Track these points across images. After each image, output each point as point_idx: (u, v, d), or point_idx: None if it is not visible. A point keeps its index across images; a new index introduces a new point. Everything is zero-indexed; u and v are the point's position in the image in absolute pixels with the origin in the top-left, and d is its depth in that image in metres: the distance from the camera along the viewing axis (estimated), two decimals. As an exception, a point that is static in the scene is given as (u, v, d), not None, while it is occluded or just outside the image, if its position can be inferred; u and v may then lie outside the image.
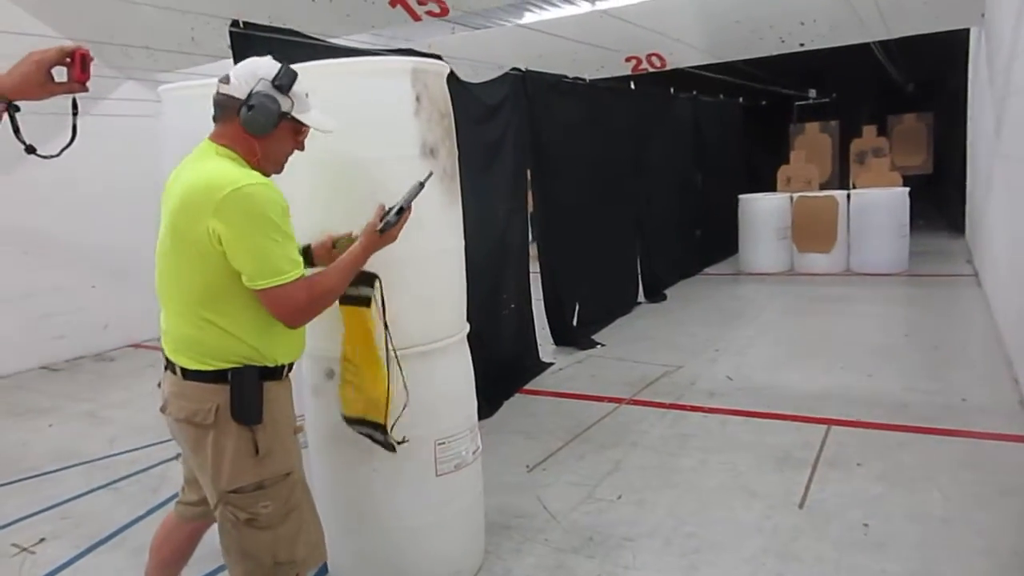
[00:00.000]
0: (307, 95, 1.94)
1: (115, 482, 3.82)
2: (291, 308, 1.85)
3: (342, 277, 1.99)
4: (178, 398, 1.87)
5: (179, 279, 1.84)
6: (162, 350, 1.97)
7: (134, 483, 3.79)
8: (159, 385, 2.02)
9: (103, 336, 6.81)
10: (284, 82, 1.87)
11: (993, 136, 6.00)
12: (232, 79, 1.87)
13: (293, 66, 1.93)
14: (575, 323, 6.19)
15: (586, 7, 8.14)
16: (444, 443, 2.52)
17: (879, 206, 8.44)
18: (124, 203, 6.46)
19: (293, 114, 1.91)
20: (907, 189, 8.57)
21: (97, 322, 6.77)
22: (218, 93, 1.89)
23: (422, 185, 2.14)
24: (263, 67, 1.88)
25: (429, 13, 5.51)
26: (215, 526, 2.03)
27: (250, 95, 1.84)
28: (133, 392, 5.44)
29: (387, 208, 2.08)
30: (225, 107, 1.88)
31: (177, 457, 2.20)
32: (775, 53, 7.98)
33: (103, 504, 3.58)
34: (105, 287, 6.73)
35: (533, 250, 5.69)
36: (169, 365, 1.91)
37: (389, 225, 2.06)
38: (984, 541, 2.71)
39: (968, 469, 3.30)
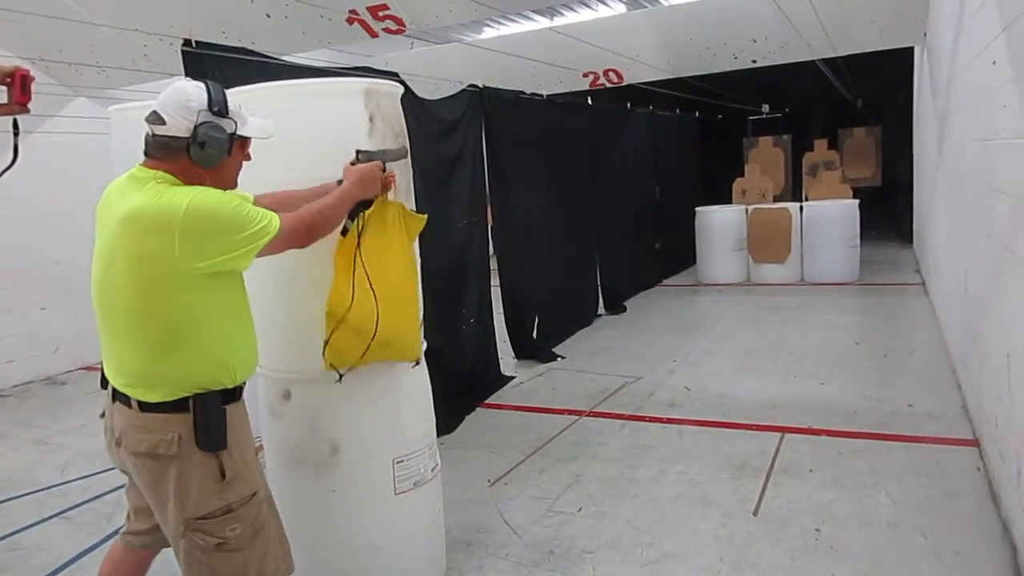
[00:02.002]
0: (240, 107, 1.93)
1: (67, 511, 3.72)
2: (295, 237, 1.95)
3: (332, 203, 2.10)
4: (136, 431, 1.84)
5: (144, 313, 1.80)
6: (103, 380, 1.95)
7: (87, 511, 3.70)
8: (102, 415, 1.99)
9: (54, 359, 6.63)
10: (221, 105, 1.85)
11: (936, 150, 6.22)
12: (166, 118, 1.81)
13: (243, 88, 1.94)
14: (535, 336, 6.22)
15: (544, 23, 8.26)
16: (402, 461, 2.52)
17: (831, 218, 8.66)
18: (75, 222, 6.25)
19: (239, 133, 1.91)
20: (857, 201, 8.82)
21: (47, 345, 6.60)
22: (154, 135, 1.84)
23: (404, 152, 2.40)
24: (193, 96, 1.83)
25: (386, 30, 5.53)
26: (164, 553, 2.01)
27: (196, 131, 1.81)
28: (86, 417, 5.30)
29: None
30: (168, 147, 1.83)
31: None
32: (729, 69, 8.17)
33: (55, 534, 3.48)
34: (55, 309, 6.56)
35: (493, 264, 5.72)
36: (119, 398, 1.87)
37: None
38: (929, 544, 2.80)
39: (914, 473, 3.41)
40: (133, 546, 2.17)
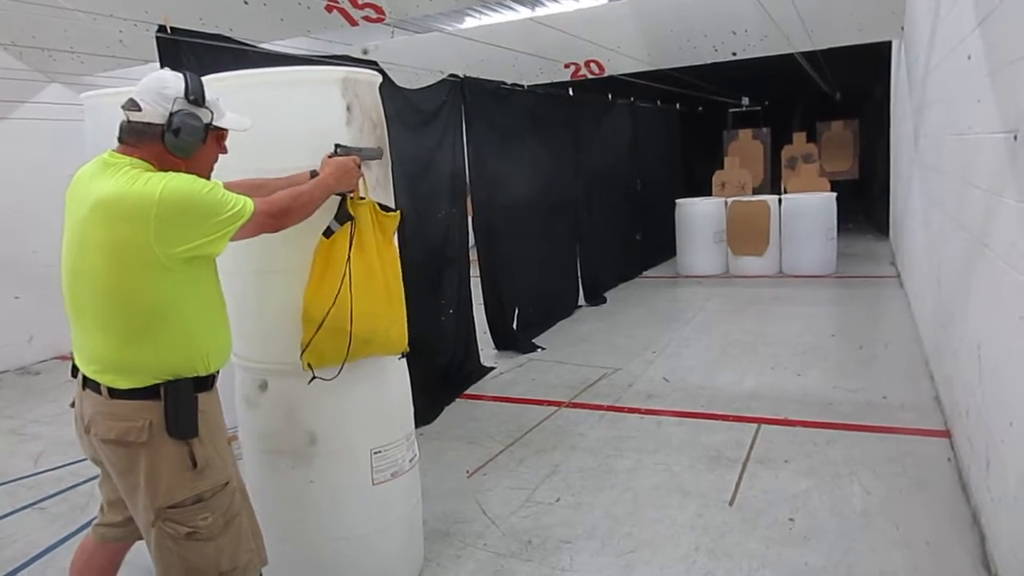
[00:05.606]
0: (218, 99, 1.93)
1: (41, 501, 3.68)
2: (268, 221, 1.94)
3: (307, 190, 2.10)
4: (106, 418, 1.83)
5: (117, 298, 1.79)
6: (74, 369, 1.93)
7: (61, 502, 3.66)
8: (72, 405, 1.97)
9: (27, 349, 6.55)
10: (198, 95, 1.85)
11: (912, 144, 6.29)
12: (142, 105, 1.82)
13: (220, 75, 1.92)
14: (515, 327, 6.23)
15: (525, 12, 8.23)
16: (380, 452, 2.52)
17: (809, 210, 8.74)
18: (48, 210, 6.16)
19: (215, 124, 1.91)
20: (835, 194, 8.90)
21: (21, 334, 6.50)
22: (129, 121, 1.84)
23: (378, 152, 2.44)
24: (170, 84, 1.84)
25: (366, 19, 5.48)
26: (137, 544, 1.99)
27: (171, 118, 1.81)
28: (60, 407, 5.22)
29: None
30: (142, 133, 1.83)
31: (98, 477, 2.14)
32: (709, 62, 8.18)
33: (28, 525, 3.45)
34: (30, 298, 6.45)
35: (474, 255, 5.72)
36: (89, 385, 1.86)
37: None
38: (900, 533, 2.85)
39: (887, 464, 3.46)
40: (106, 538, 2.15)
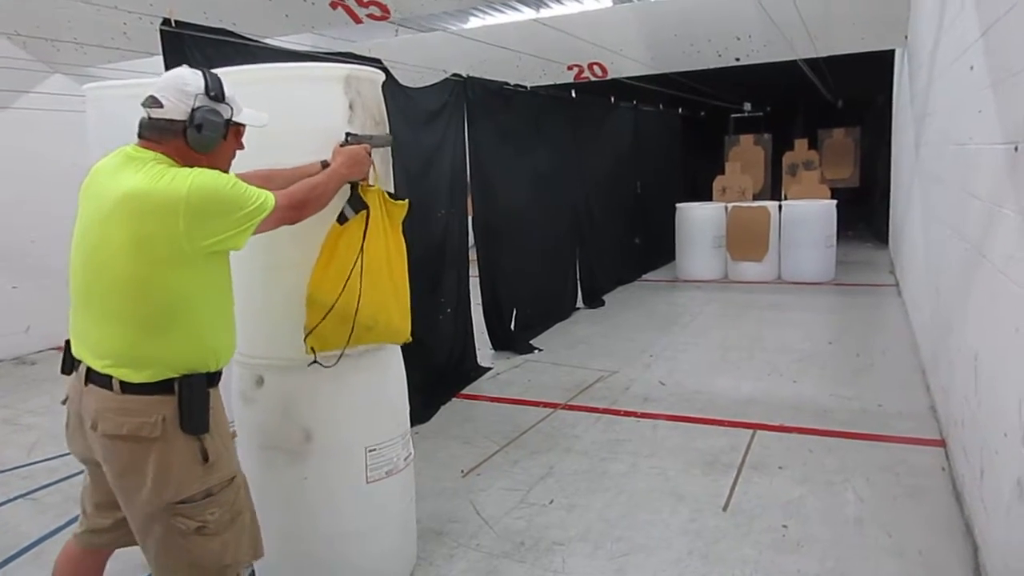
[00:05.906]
0: (235, 94, 1.95)
1: (34, 492, 3.68)
2: (288, 214, 1.98)
3: (323, 181, 2.13)
4: (117, 414, 1.81)
5: (139, 291, 1.79)
6: (66, 364, 1.92)
7: (54, 493, 3.66)
8: (64, 402, 1.96)
9: (24, 339, 6.54)
10: (218, 91, 1.88)
11: (913, 153, 6.30)
12: (163, 101, 1.84)
13: (223, 70, 1.92)
14: (513, 327, 6.23)
15: (530, 14, 8.24)
16: (375, 450, 2.52)
17: (809, 217, 8.75)
18: (48, 200, 6.19)
19: (234, 119, 1.93)
20: (835, 202, 8.92)
21: (18, 324, 6.49)
22: (150, 118, 1.86)
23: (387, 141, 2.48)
24: (189, 81, 1.86)
25: (370, 16, 5.48)
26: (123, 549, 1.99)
27: (193, 114, 1.83)
28: (55, 397, 5.19)
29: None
30: (164, 130, 1.85)
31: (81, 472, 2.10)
32: (712, 66, 8.19)
33: (20, 515, 3.44)
34: (27, 288, 6.46)
35: (473, 255, 5.72)
36: (96, 380, 1.83)
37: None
38: (893, 541, 2.85)
39: (881, 472, 3.46)
40: (93, 544, 2.10)
